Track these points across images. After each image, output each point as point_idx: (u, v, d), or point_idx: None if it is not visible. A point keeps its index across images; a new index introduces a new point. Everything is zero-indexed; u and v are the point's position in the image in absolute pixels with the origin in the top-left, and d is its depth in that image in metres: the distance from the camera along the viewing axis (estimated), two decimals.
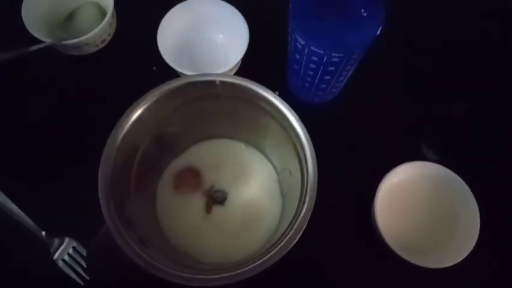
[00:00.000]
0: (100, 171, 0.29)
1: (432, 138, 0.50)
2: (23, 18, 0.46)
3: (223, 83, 0.31)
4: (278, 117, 0.32)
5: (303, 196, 0.28)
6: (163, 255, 0.29)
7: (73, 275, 0.43)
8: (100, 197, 0.28)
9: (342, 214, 0.45)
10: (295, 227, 0.27)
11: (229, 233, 0.39)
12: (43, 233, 0.44)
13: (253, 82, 0.31)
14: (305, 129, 0.30)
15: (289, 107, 0.31)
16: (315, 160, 0.29)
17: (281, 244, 0.27)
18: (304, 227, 0.28)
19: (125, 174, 0.31)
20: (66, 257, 0.43)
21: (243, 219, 0.39)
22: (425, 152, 0.49)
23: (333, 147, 0.47)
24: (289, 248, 0.27)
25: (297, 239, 0.28)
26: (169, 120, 0.34)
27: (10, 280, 0.44)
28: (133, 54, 0.53)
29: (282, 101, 0.31)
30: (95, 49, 0.51)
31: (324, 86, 0.45)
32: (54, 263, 0.43)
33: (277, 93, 0.50)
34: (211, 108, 0.35)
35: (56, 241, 0.44)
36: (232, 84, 0.31)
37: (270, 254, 0.27)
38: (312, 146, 0.30)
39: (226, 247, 0.38)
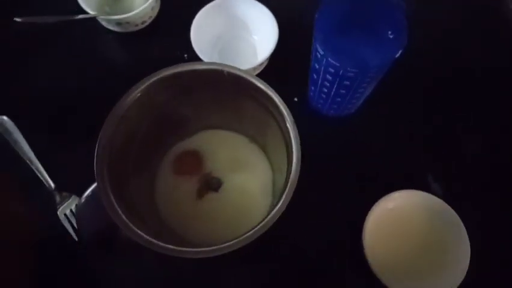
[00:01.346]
0: (100, 137, 0.31)
1: (442, 172, 0.49)
2: None
3: (230, 74, 0.33)
4: (278, 118, 0.33)
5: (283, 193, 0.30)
6: (151, 230, 0.31)
7: (71, 230, 0.46)
8: (95, 159, 0.30)
9: (333, 232, 0.45)
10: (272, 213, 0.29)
11: (220, 219, 0.40)
12: (53, 185, 0.47)
13: (258, 78, 0.33)
14: (297, 132, 0.31)
15: (287, 109, 0.32)
16: (299, 161, 0.30)
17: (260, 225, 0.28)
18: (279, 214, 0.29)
19: (125, 151, 0.33)
20: (68, 212, 0.46)
21: (233, 209, 0.41)
22: (430, 184, 0.48)
23: (335, 162, 0.48)
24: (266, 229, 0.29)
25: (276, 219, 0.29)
26: (179, 102, 0.36)
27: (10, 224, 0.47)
28: (168, 40, 0.56)
29: (281, 101, 0.32)
30: (135, 29, 0.55)
31: (339, 99, 0.45)
32: (56, 216, 0.46)
33: (296, 99, 0.53)
34: (220, 98, 0.37)
35: (63, 196, 0.47)
36: (239, 77, 0.33)
37: (250, 232, 0.28)
38: (299, 149, 0.31)
39: (215, 233, 0.39)
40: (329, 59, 0.38)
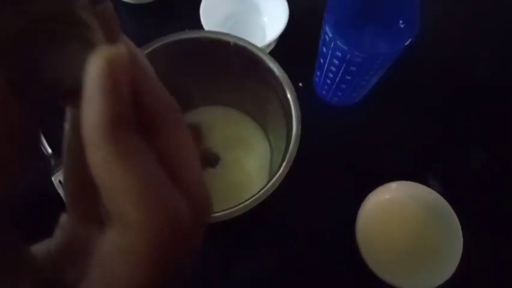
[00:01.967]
0: None
1: (441, 169, 0.48)
2: None
3: (236, 45, 0.32)
4: (280, 92, 0.33)
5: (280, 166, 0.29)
6: None
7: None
8: None
9: (330, 219, 0.45)
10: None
11: (216, 195, 0.39)
12: (49, 150, 0.47)
13: (263, 51, 0.32)
14: (298, 107, 0.31)
15: (292, 87, 0.32)
16: (299, 137, 0.30)
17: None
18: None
19: None
20: (62, 179, 0.46)
21: (230, 185, 0.40)
22: (430, 182, 0.48)
23: (335, 151, 0.48)
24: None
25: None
26: (181, 71, 0.36)
27: None
28: (178, 17, 0.56)
29: (286, 76, 0.32)
30: (147, 1, 0.54)
31: (344, 86, 0.45)
32: (50, 181, 0.46)
33: (300, 85, 0.52)
34: (223, 71, 0.36)
35: (59, 162, 0.47)
36: (245, 48, 0.32)
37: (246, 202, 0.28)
38: (299, 124, 0.30)
39: None
40: (337, 41, 0.38)
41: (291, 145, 0.29)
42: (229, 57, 0.34)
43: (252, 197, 0.28)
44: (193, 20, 0.51)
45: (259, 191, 0.28)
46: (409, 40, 0.37)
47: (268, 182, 0.28)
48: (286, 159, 0.29)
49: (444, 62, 0.52)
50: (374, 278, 0.39)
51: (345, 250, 0.43)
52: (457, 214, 0.41)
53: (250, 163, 0.41)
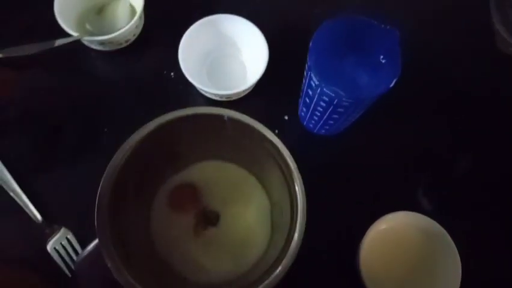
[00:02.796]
0: (99, 194, 0.30)
1: (431, 188, 0.50)
2: (55, 9, 0.47)
3: (231, 118, 0.32)
4: (279, 160, 0.33)
5: (291, 238, 0.30)
6: (149, 275, 0.30)
7: (62, 265, 0.44)
8: (96, 218, 0.29)
9: (327, 254, 0.45)
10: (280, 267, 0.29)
11: (220, 254, 0.40)
12: (40, 218, 0.46)
13: (260, 124, 0.32)
14: (301, 179, 0.31)
15: (290, 155, 0.32)
16: (306, 210, 0.30)
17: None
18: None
19: (124, 193, 0.32)
20: (58, 247, 0.45)
21: (233, 242, 0.40)
22: (420, 200, 0.49)
23: (328, 181, 0.48)
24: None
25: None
26: (175, 142, 0.35)
27: None
28: (154, 58, 0.54)
29: (284, 147, 0.32)
30: (119, 47, 0.53)
31: (332, 122, 0.45)
32: (45, 251, 0.45)
33: (286, 118, 0.52)
34: (216, 136, 0.36)
35: (52, 229, 0.46)
36: (239, 121, 0.32)
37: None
38: (304, 195, 0.31)
39: (215, 267, 0.39)
40: (324, 89, 0.38)
41: (291, 246, 0.29)
42: (225, 126, 0.34)
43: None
44: (169, 60, 0.50)
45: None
46: (394, 81, 0.37)
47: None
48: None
49: (424, 76, 0.53)
50: None
51: (347, 279, 0.45)
52: (453, 235, 0.42)
53: (250, 216, 0.41)
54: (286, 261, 0.29)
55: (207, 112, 0.32)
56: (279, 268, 0.29)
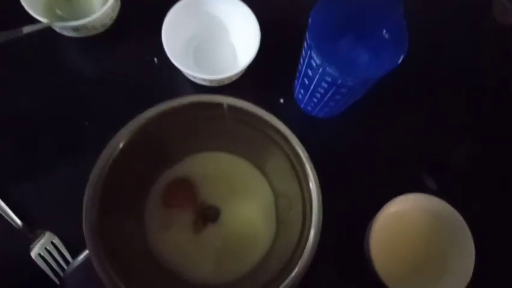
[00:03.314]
0: (85, 198, 0.26)
1: (435, 168, 0.48)
2: None
3: (231, 107, 0.29)
4: (286, 149, 0.30)
5: (304, 240, 0.27)
6: (148, 284, 0.27)
7: (49, 272, 0.41)
8: (84, 226, 0.26)
9: (335, 240, 0.43)
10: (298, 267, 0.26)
11: (221, 252, 0.37)
12: (20, 223, 0.42)
13: (264, 110, 0.29)
14: (315, 171, 0.28)
15: (300, 144, 0.29)
16: (321, 208, 0.27)
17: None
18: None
19: (114, 194, 0.29)
20: (43, 253, 0.41)
21: (235, 240, 0.37)
22: (425, 181, 0.47)
23: (331, 166, 0.45)
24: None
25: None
26: (167, 137, 0.32)
27: None
28: (135, 43, 0.50)
29: (293, 135, 0.29)
30: (95, 33, 0.48)
31: (332, 104, 0.42)
32: (30, 257, 0.41)
33: (282, 101, 0.49)
34: (213, 126, 0.33)
35: (35, 234, 0.42)
36: (241, 109, 0.29)
37: None
38: (320, 192, 0.28)
39: (217, 267, 0.36)
40: (327, 68, 0.35)
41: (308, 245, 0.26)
42: (224, 115, 0.30)
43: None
44: (152, 45, 0.46)
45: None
46: (401, 57, 0.35)
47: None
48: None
49: (429, 61, 0.51)
50: None
51: (355, 265, 0.43)
52: (464, 217, 0.40)
53: (253, 211, 0.38)
54: (303, 261, 0.26)
55: (204, 100, 0.29)
56: (296, 269, 0.26)
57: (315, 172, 0.28)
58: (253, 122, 0.30)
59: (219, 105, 0.29)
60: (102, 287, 0.24)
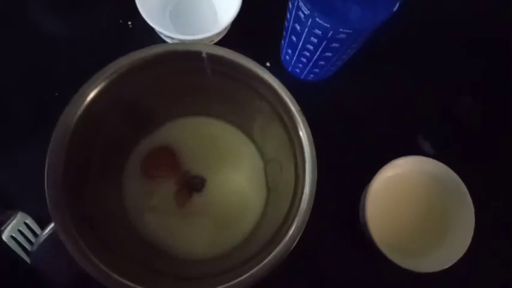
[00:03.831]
0: (47, 163, 0.23)
1: (431, 130, 0.46)
2: None
3: (210, 56, 0.25)
4: (275, 104, 0.27)
5: (296, 204, 0.24)
6: (131, 259, 0.24)
7: (22, 254, 0.38)
8: (47, 194, 0.22)
9: (330, 207, 0.41)
10: (290, 233, 0.23)
11: (208, 224, 0.34)
12: None
13: (248, 58, 0.26)
14: (307, 126, 0.25)
15: (290, 94, 0.26)
16: (316, 166, 0.25)
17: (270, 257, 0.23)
18: (300, 233, 0.24)
19: (84, 161, 0.26)
20: (15, 234, 0.38)
21: (223, 210, 0.35)
22: (421, 144, 0.45)
23: (323, 131, 0.43)
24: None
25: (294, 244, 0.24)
26: (142, 94, 0.28)
27: None
28: (106, 6, 0.46)
29: (282, 86, 0.26)
30: None
31: (323, 63, 0.39)
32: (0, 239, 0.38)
33: (268, 64, 0.46)
34: (194, 83, 0.29)
35: (6, 215, 0.39)
36: (222, 58, 0.25)
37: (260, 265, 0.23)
38: (313, 148, 0.25)
39: (204, 241, 0.34)
40: (317, 19, 0.32)
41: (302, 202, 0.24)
42: (204, 67, 0.27)
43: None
44: (126, 7, 0.42)
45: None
46: (397, 4, 0.32)
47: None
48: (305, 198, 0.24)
49: (420, 16, 0.47)
50: (382, 258, 0.36)
51: (351, 231, 0.41)
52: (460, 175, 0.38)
53: (241, 178, 0.35)
54: (299, 218, 0.23)
55: (181, 49, 0.25)
56: (290, 232, 0.23)
57: (306, 122, 0.25)
58: (237, 75, 0.26)
59: (197, 55, 0.25)
60: (71, 259, 0.21)
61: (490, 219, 0.38)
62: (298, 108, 0.25)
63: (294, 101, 0.25)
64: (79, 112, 0.24)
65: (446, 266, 0.36)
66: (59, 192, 0.22)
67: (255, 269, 0.23)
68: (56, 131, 0.24)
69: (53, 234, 0.23)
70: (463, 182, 0.38)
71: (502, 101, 0.47)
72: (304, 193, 0.24)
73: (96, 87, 0.25)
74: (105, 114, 0.26)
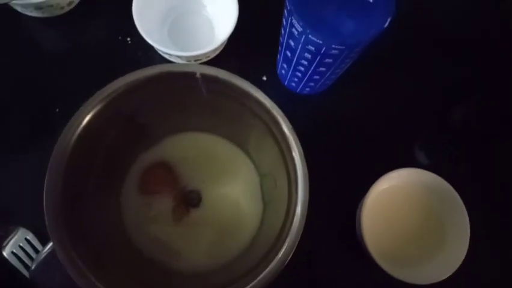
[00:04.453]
0: (46, 183, 0.24)
1: (426, 141, 0.46)
2: None
3: (204, 76, 0.26)
4: (268, 121, 0.27)
5: (291, 217, 0.25)
6: (129, 275, 0.25)
7: (22, 269, 0.38)
8: (46, 215, 0.23)
9: (326, 218, 0.41)
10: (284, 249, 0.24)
11: (205, 238, 0.34)
12: None
13: (241, 78, 0.26)
14: (299, 143, 0.26)
15: (282, 114, 0.26)
16: (307, 180, 0.25)
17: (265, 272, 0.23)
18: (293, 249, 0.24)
19: (82, 181, 0.26)
20: (16, 250, 0.39)
21: (219, 224, 0.35)
22: (416, 155, 0.46)
23: (319, 144, 0.43)
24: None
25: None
26: (138, 113, 0.29)
27: None
28: (104, 22, 0.47)
29: (274, 105, 0.26)
30: (61, 12, 0.45)
31: (317, 77, 0.40)
32: (1, 255, 0.38)
33: (264, 78, 0.47)
34: (189, 101, 0.30)
35: (7, 230, 0.39)
36: (215, 78, 0.26)
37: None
38: (305, 163, 0.25)
39: (201, 254, 0.34)
40: (310, 36, 0.33)
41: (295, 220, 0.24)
42: (198, 87, 0.27)
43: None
44: (124, 23, 0.43)
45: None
46: (388, 20, 0.32)
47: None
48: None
49: (411, 28, 0.48)
50: (379, 270, 0.36)
51: (347, 243, 0.41)
52: (453, 185, 0.39)
53: (237, 192, 0.36)
54: (291, 238, 0.24)
55: (175, 70, 0.26)
56: (284, 246, 0.24)
57: (298, 142, 0.26)
58: (231, 93, 0.27)
59: (192, 75, 0.26)
60: (69, 276, 0.22)
61: (485, 230, 0.38)
62: (291, 126, 0.26)
63: (286, 119, 0.26)
64: (77, 133, 0.25)
65: (443, 278, 0.36)
66: (57, 211, 0.23)
67: (250, 284, 0.23)
68: (54, 151, 0.24)
69: (53, 252, 0.24)
70: (458, 193, 0.38)
71: (498, 111, 0.48)
72: (296, 213, 0.24)
73: (93, 108, 0.25)
74: (103, 133, 0.27)
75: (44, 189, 0.24)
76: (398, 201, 0.40)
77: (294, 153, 0.25)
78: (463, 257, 0.37)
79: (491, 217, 0.42)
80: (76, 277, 0.22)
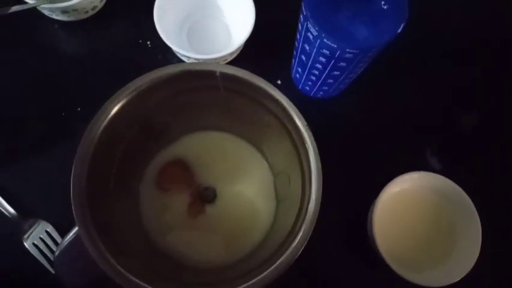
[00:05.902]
0: (73, 172, 0.25)
1: (439, 146, 0.47)
2: None
3: (224, 75, 0.27)
4: (283, 119, 0.29)
5: (303, 213, 0.25)
6: (145, 265, 0.26)
7: (43, 261, 0.40)
8: (72, 201, 0.24)
9: (337, 220, 0.42)
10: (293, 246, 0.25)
11: (220, 235, 0.35)
12: (13, 212, 0.41)
13: (259, 77, 0.28)
14: (313, 140, 0.27)
15: (297, 111, 0.27)
16: (321, 176, 0.26)
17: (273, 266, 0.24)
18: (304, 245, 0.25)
19: (104, 172, 0.28)
20: (37, 242, 0.40)
21: (234, 221, 0.36)
22: (429, 159, 0.46)
23: (332, 147, 0.44)
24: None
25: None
26: (159, 110, 0.30)
27: None
28: (126, 26, 0.49)
29: (290, 103, 0.27)
30: (85, 16, 0.47)
31: (331, 81, 0.41)
32: (23, 246, 0.40)
33: (279, 82, 0.48)
34: (207, 99, 0.31)
35: (28, 223, 0.41)
36: (234, 76, 0.27)
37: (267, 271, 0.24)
38: (319, 159, 0.26)
39: (215, 250, 0.35)
40: (324, 40, 0.34)
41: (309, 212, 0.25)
42: (217, 85, 0.29)
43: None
44: (145, 27, 0.45)
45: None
46: (402, 25, 0.33)
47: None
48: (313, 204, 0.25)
49: (429, 32, 0.49)
50: (390, 272, 0.37)
51: (359, 246, 0.42)
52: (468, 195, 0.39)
53: (251, 190, 0.37)
54: (303, 234, 0.25)
55: (196, 69, 0.27)
56: (296, 241, 0.25)
57: (312, 138, 0.27)
58: (248, 92, 0.28)
59: (212, 74, 0.27)
60: (91, 262, 0.23)
61: (497, 235, 0.38)
62: (305, 123, 0.27)
63: (301, 116, 0.27)
64: (103, 126, 0.26)
65: (454, 281, 0.36)
66: (82, 199, 0.24)
67: (263, 274, 0.24)
68: (82, 142, 0.26)
69: (73, 241, 0.25)
70: (470, 197, 0.39)
71: (510, 117, 0.48)
72: (309, 210, 0.25)
73: (118, 102, 0.27)
74: (125, 128, 0.28)
75: (71, 177, 0.25)
76: (409, 204, 0.41)
77: (308, 149, 0.26)
78: (474, 261, 0.37)
79: (502, 222, 0.42)
80: (99, 261, 0.23)
